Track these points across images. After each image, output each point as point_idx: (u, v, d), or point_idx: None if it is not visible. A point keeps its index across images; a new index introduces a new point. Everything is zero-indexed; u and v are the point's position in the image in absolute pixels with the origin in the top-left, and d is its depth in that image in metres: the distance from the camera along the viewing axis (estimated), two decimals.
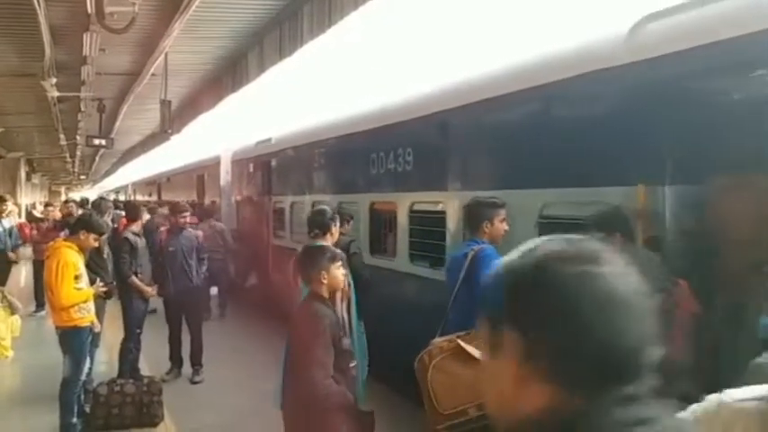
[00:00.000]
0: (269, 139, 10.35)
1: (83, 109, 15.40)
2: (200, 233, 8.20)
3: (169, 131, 13.60)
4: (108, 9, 7.12)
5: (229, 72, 12.99)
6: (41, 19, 8.12)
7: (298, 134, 9.22)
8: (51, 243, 5.26)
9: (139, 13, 7.73)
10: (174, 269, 7.30)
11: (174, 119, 17.17)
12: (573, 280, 0.83)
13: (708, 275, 2.88)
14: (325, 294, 3.24)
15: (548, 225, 3.83)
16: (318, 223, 4.39)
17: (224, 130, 16.58)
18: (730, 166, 2.87)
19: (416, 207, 5.63)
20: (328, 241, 4.20)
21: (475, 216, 3.58)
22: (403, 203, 5.78)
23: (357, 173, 6.83)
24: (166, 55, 10.84)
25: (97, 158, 35.15)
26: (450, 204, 4.99)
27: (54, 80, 11.35)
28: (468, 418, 2.79)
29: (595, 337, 0.80)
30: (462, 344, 2.89)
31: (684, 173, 3.12)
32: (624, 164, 3.50)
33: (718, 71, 3.03)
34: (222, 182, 12.93)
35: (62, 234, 6.30)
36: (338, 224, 4.51)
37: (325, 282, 3.23)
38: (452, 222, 5.00)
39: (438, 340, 3.13)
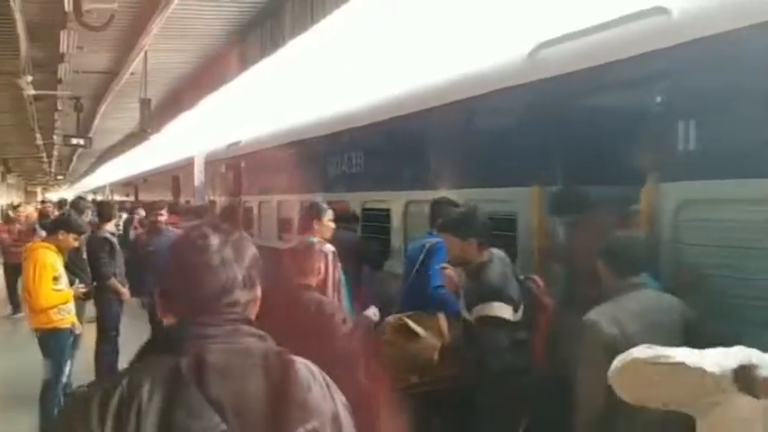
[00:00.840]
0: (238, 142, 10.69)
1: (60, 108, 15.17)
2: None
3: (149, 131, 13.45)
4: (86, 6, 7.00)
5: (210, 70, 12.88)
6: (17, 15, 7.96)
7: (264, 137, 9.59)
8: (28, 244, 5.16)
9: (118, 10, 7.63)
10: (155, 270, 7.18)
11: (153, 118, 17.00)
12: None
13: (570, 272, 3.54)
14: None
15: None
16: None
17: (204, 130, 16.50)
18: (605, 173, 3.45)
19: (367, 206, 5.96)
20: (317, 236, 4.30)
21: (434, 213, 3.99)
22: (355, 203, 6.14)
23: (315, 175, 7.27)
24: (146, 53, 10.71)
25: (75, 158, 34.62)
26: (394, 204, 5.42)
27: (30, 78, 11.15)
28: (410, 384, 3.28)
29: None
30: (409, 322, 3.36)
31: (569, 176, 3.71)
32: (522, 167, 4.05)
33: (596, 90, 3.63)
34: (196, 182, 13.26)
35: (36, 236, 6.15)
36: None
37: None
38: (397, 220, 5.40)
39: (389, 318, 3.55)
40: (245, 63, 10.67)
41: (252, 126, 10.74)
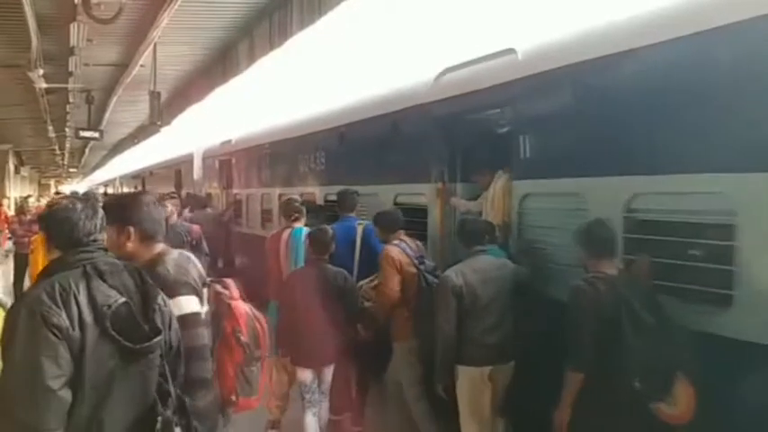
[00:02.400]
0: (230, 140, 11.63)
1: (71, 100, 15.27)
2: (195, 227, 7.11)
3: (158, 123, 13.50)
4: None
5: (219, 63, 12.90)
6: (27, 9, 8.02)
7: (251, 136, 10.58)
8: (35, 236, 5.19)
9: (127, 3, 7.66)
10: None
11: (163, 110, 17.06)
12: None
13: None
14: None
15: (401, 209, 5.59)
16: (296, 209, 5.28)
17: (202, 128, 17.01)
18: (475, 173, 4.85)
19: (330, 198, 6.72)
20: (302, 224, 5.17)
21: (349, 202, 5.32)
22: (320, 196, 7.16)
23: (290, 171, 8.41)
24: (155, 46, 10.75)
25: (87, 151, 34.89)
26: (385, 195, 6.50)
27: (41, 71, 11.23)
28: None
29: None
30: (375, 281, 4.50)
31: (463, 175, 5.01)
32: (430, 168, 5.18)
33: (482, 109, 4.71)
34: (195, 176, 14.28)
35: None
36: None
37: None
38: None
39: (362, 283, 4.62)
40: (252, 55, 10.67)
41: (240, 126, 11.87)
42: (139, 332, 2.04)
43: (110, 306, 2.01)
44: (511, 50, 4.35)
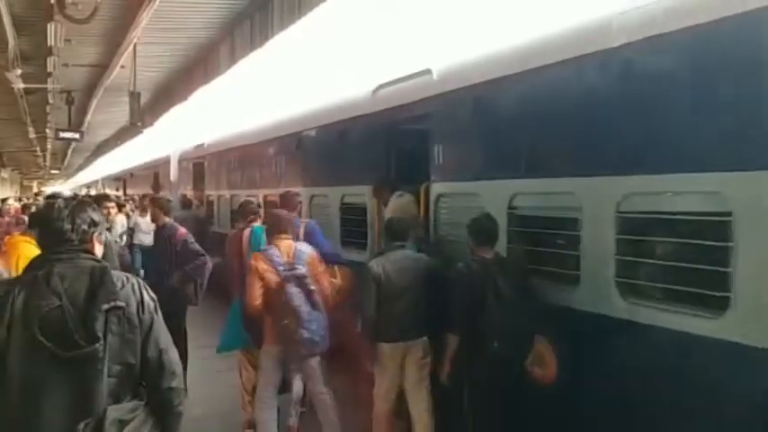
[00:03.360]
0: (202, 144, 12.24)
1: (51, 101, 15.08)
2: (181, 230, 6.34)
3: (139, 124, 13.39)
4: None
5: (201, 63, 12.82)
6: (2, 8, 7.91)
7: (220, 141, 11.19)
8: (7, 237, 5.10)
9: (104, 2, 7.58)
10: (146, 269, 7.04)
11: (145, 111, 16.92)
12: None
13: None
14: None
15: (347, 208, 6.28)
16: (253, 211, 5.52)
17: (178, 131, 17.45)
18: (407, 178, 5.34)
19: None
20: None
21: (290, 202, 5.64)
22: (305, 196, 7.63)
23: (255, 174, 9.08)
24: (135, 46, 10.65)
25: (69, 152, 34.54)
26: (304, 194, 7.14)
27: (19, 71, 11.08)
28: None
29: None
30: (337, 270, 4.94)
31: (390, 179, 5.46)
32: (368, 172, 5.75)
33: (405, 121, 5.35)
34: (172, 178, 14.86)
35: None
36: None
37: None
38: (306, 207, 6.98)
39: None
40: (234, 56, 10.62)
41: (212, 130, 12.44)
42: (70, 339, 1.98)
43: (40, 311, 1.99)
44: (428, 71, 5.08)
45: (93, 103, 16.04)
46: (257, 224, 5.23)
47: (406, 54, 7.08)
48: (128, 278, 2.22)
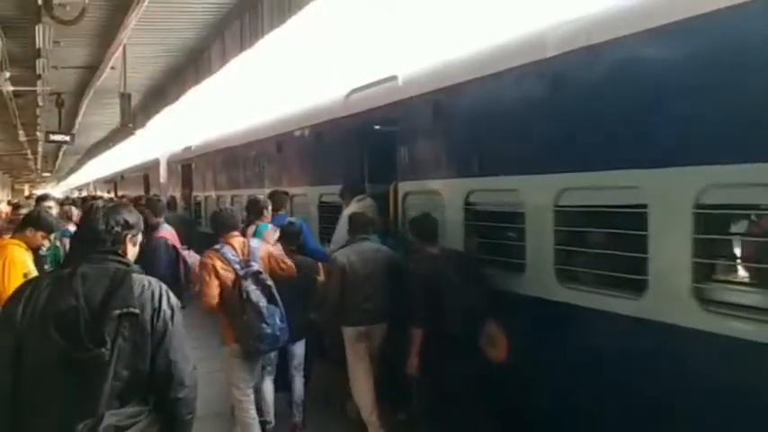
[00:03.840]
0: (190, 147, 12.61)
1: (41, 104, 14.97)
2: (167, 234, 6.08)
3: (130, 126, 13.31)
4: (57, 0, 6.90)
5: (192, 64, 12.77)
6: None
7: (206, 143, 11.57)
8: None
9: (92, 3, 7.53)
10: None
11: (136, 113, 16.83)
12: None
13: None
14: None
15: (325, 206, 6.60)
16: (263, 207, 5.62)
17: (177, 130, 17.76)
18: (376, 176, 5.88)
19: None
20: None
21: (279, 201, 6.00)
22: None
23: (240, 175, 9.44)
24: (125, 47, 10.59)
25: (60, 155, 34.32)
26: (311, 194, 7.49)
27: (8, 74, 11.00)
28: None
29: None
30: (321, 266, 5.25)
31: (360, 178, 5.93)
32: (343, 172, 6.16)
33: (374, 124, 5.67)
34: (161, 180, 15.23)
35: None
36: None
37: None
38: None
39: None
40: (224, 56, 10.58)
41: (199, 132, 12.93)
42: (79, 340, 2.02)
43: (57, 309, 2.05)
44: (394, 77, 5.50)
45: (84, 105, 15.94)
46: (264, 222, 5.35)
47: (380, 59, 7.63)
48: (150, 283, 2.19)
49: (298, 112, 7.65)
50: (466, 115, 4.55)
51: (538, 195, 3.82)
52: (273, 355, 4.76)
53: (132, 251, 2.34)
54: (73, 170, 47.13)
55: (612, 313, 3.32)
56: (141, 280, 2.17)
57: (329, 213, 6.32)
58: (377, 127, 5.66)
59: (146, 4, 7.96)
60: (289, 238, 5.01)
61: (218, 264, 4.23)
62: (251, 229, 5.33)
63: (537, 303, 3.79)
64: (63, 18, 7.27)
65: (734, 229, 3.24)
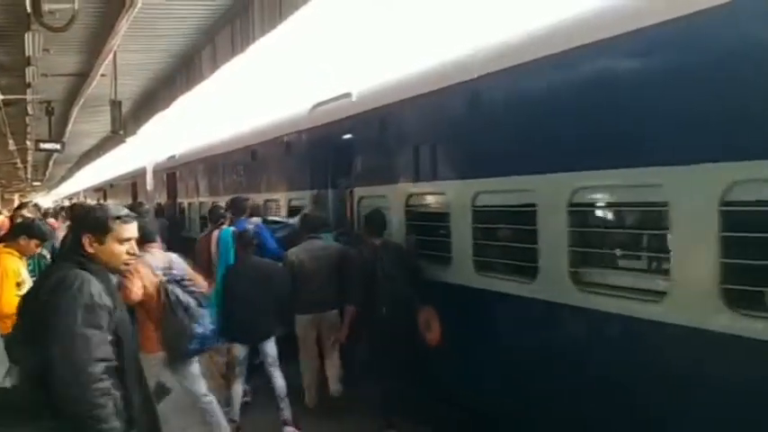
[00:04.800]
0: (174, 156, 13.33)
1: (30, 112, 14.86)
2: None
3: (121, 133, 13.24)
4: (46, 7, 6.85)
5: (182, 70, 12.72)
6: None
7: (189, 152, 12.32)
8: None
9: (82, 10, 7.48)
10: None
11: (127, 120, 16.75)
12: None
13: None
14: None
15: (293, 210, 7.21)
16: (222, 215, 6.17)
17: (154, 143, 18.49)
18: (333, 182, 6.53)
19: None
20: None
21: (239, 207, 6.31)
22: (260, 201, 8.51)
23: (220, 183, 10.19)
24: (115, 54, 10.53)
25: (51, 164, 34.08)
26: (260, 199, 8.17)
27: None
28: None
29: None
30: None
31: (324, 184, 6.60)
32: (308, 179, 6.98)
33: (340, 135, 6.20)
34: (148, 188, 15.86)
35: None
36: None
37: None
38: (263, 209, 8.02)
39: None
40: (215, 62, 10.55)
41: (183, 142, 13.77)
42: None
43: None
44: (349, 94, 6.15)
45: (74, 113, 15.84)
46: (226, 226, 5.87)
47: (345, 74, 8.16)
48: (65, 276, 2.33)
49: (270, 122, 8.35)
50: (406, 129, 5.25)
51: (460, 198, 4.49)
52: (243, 356, 5.07)
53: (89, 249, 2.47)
54: (64, 179, 46.82)
55: (515, 295, 4.04)
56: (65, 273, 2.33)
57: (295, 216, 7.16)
58: (336, 138, 6.27)
59: (136, 10, 7.92)
60: (243, 242, 5.28)
61: (142, 269, 4.21)
62: (215, 234, 5.74)
63: (460, 289, 4.50)
64: (53, 25, 7.21)
65: (601, 223, 3.77)
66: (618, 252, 3.64)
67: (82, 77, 12.54)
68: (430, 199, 5.07)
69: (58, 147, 16.33)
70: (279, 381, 5.11)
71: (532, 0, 4.56)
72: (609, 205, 3.70)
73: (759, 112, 2.70)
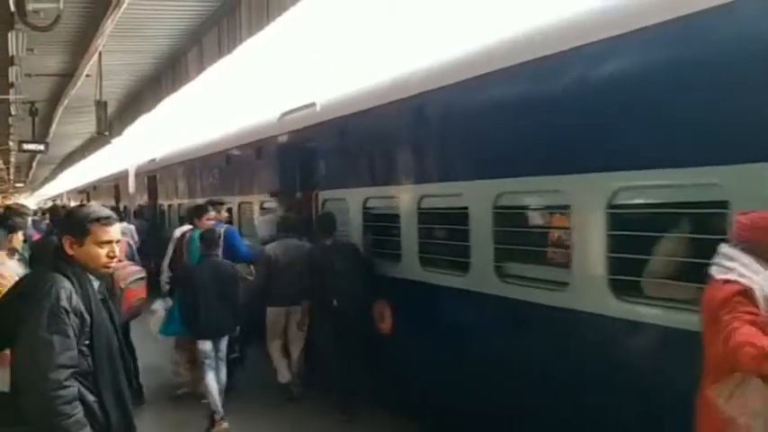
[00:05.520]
0: (155, 159, 13.64)
1: (14, 113, 14.66)
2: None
3: (107, 134, 13.12)
4: (30, 6, 6.77)
5: (169, 71, 12.65)
6: None
7: (168, 156, 12.70)
8: None
9: (67, 10, 7.40)
10: None
11: (112, 121, 16.61)
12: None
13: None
14: None
15: (265, 212, 7.70)
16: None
17: (136, 146, 18.82)
18: (301, 185, 6.93)
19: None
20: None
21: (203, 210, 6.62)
22: (235, 203, 9.05)
23: (197, 186, 10.65)
24: (100, 54, 10.45)
25: (34, 165, 33.69)
26: (234, 201, 8.80)
27: None
28: None
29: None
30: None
31: (302, 188, 6.90)
32: (278, 183, 7.49)
33: (306, 142, 6.70)
34: (130, 190, 16.12)
35: None
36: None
37: None
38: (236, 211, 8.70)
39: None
40: (202, 63, 10.50)
41: (163, 145, 14.03)
42: None
43: None
44: (314, 104, 6.64)
45: (58, 113, 15.68)
46: (197, 229, 6.05)
47: (311, 84, 8.35)
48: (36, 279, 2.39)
49: (244, 128, 8.90)
50: (361, 137, 5.80)
51: (407, 201, 5.07)
52: (209, 349, 5.34)
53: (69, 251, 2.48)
54: (47, 180, 46.28)
55: (450, 287, 4.61)
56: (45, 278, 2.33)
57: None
58: (302, 145, 6.79)
59: (122, 10, 7.87)
60: (207, 243, 5.54)
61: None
62: (188, 235, 6.17)
63: (409, 283, 5.06)
64: (37, 25, 7.14)
65: (519, 223, 4.27)
66: (531, 248, 4.19)
67: (66, 78, 12.42)
68: (382, 202, 5.55)
69: (41, 148, 16.13)
70: (223, 375, 5.44)
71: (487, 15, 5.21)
72: (524, 208, 4.29)
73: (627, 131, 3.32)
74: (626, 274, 3.26)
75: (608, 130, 3.40)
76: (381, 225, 5.53)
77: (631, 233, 3.22)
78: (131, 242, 7.35)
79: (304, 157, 6.79)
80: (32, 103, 13.96)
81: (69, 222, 2.48)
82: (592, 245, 3.45)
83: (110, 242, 2.45)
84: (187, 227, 6.51)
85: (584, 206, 3.49)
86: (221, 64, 9.91)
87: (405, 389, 5.15)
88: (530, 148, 3.92)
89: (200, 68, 10.73)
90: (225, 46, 9.46)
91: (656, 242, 3.21)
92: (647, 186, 3.22)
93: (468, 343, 4.46)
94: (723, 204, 2.79)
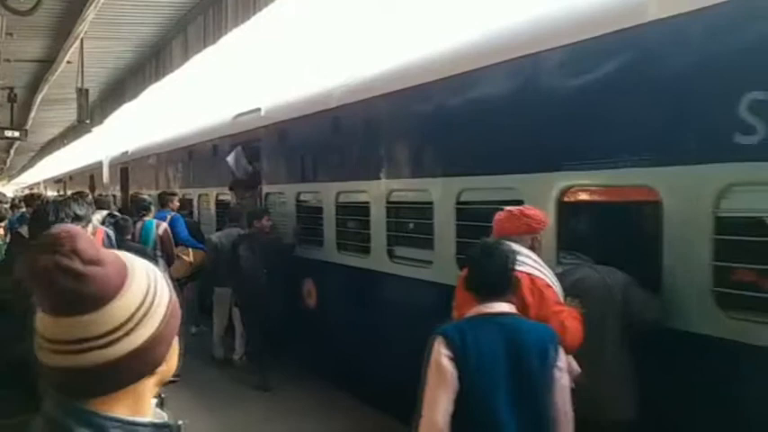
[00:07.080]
0: (127, 151, 14.48)
1: None
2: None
3: (88, 122, 12.90)
4: None
5: (152, 60, 12.45)
6: None
7: (138, 149, 13.58)
8: None
9: None
10: None
11: (94, 109, 16.33)
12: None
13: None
14: None
15: (221, 203, 8.99)
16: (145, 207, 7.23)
17: (110, 138, 18.92)
18: (282, 180, 7.40)
19: (188, 197, 10.12)
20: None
21: (164, 200, 7.96)
22: (195, 195, 10.16)
23: (164, 178, 11.62)
24: (82, 41, 10.25)
25: (12, 152, 33.01)
26: (196, 194, 10.02)
27: None
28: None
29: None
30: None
31: (272, 184, 7.59)
32: (229, 178, 8.34)
33: (254, 142, 7.79)
34: (105, 180, 16.77)
35: None
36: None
37: None
38: (205, 204, 9.75)
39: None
40: (186, 53, 10.35)
41: (136, 138, 14.90)
42: None
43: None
44: (259, 109, 7.69)
45: (38, 100, 15.35)
46: (149, 218, 6.97)
47: (258, 90, 9.48)
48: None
49: (203, 126, 9.90)
50: (295, 140, 6.83)
51: (328, 196, 6.13)
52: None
53: None
54: (25, 168, 45.46)
55: (357, 267, 5.72)
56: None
57: (223, 209, 8.60)
58: (250, 145, 7.81)
59: None
60: (118, 228, 6.05)
61: None
62: (138, 225, 6.77)
63: (328, 265, 6.18)
64: (17, 8, 6.99)
65: (404, 215, 5.35)
66: (411, 235, 5.27)
67: (47, 64, 12.17)
68: (311, 197, 6.67)
69: (18, 134, 15.81)
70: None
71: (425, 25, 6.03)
72: (403, 203, 5.36)
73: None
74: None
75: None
76: (309, 216, 6.63)
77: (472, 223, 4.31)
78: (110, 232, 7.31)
79: (252, 156, 7.88)
80: (11, 88, 13.67)
81: None
82: (447, 231, 4.64)
83: None
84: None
85: (440, 202, 4.71)
86: (204, 54, 9.82)
87: (331, 356, 6.10)
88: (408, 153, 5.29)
89: (185, 57, 10.57)
90: (210, 35, 9.33)
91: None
92: (481, 188, 4.47)
93: (370, 310, 5.62)
94: (520, 203, 3.75)
